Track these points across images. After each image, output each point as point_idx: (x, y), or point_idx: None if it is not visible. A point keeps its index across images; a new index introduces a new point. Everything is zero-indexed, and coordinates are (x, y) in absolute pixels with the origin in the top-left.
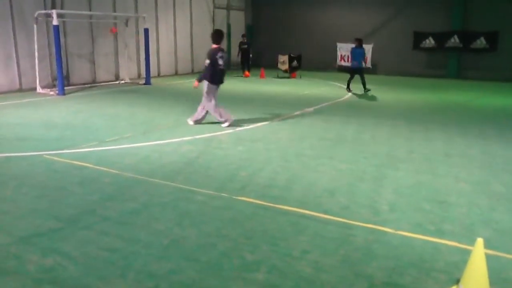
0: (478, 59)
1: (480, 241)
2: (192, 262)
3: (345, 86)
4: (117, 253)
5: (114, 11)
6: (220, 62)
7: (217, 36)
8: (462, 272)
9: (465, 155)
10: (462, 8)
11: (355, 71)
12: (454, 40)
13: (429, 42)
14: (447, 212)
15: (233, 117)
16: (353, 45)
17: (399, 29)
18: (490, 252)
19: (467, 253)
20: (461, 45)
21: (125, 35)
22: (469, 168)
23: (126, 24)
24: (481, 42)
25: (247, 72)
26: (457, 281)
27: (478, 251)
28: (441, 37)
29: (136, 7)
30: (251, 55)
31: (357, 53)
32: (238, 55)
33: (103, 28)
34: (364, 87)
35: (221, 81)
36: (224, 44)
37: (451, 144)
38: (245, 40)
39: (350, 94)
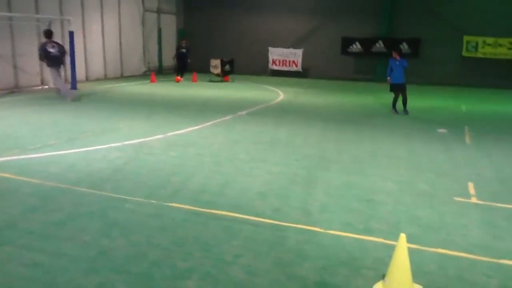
0: None
1: (403, 236)
2: (122, 274)
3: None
4: (40, 268)
5: (37, 12)
6: (51, 50)
7: (46, 33)
8: (387, 268)
9: (392, 156)
10: (388, 16)
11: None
12: (379, 45)
13: (356, 47)
14: (374, 210)
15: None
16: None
17: (328, 34)
18: (413, 246)
19: (393, 248)
20: (385, 50)
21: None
22: (396, 167)
23: (50, 26)
24: (404, 48)
25: (178, 77)
26: (383, 276)
27: (401, 246)
28: (367, 43)
29: (60, 9)
30: (188, 61)
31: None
32: (173, 58)
33: (25, 29)
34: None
35: (56, 64)
36: (153, 47)
37: (378, 145)
38: (184, 45)
39: (282, 98)
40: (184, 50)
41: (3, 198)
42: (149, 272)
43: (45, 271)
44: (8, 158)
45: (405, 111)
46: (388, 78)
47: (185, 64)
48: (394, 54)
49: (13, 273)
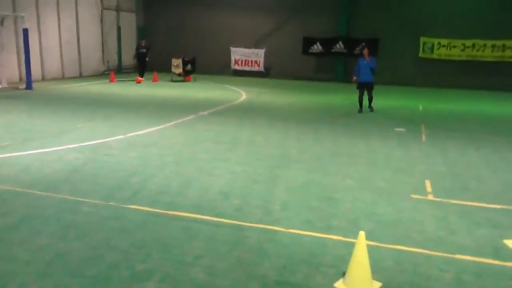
0: None
1: (362, 234)
2: (78, 278)
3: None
4: None
5: None
6: None
7: None
8: (348, 265)
9: (351, 154)
10: (346, 16)
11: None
12: (339, 46)
13: (317, 47)
14: (334, 208)
15: None
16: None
17: (289, 34)
18: (372, 243)
19: (353, 246)
20: (345, 51)
21: (1, 35)
22: (355, 165)
23: (2, 23)
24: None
25: (139, 78)
26: (343, 274)
27: (360, 244)
28: (327, 43)
29: (14, 5)
30: (147, 59)
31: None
32: (134, 58)
33: None
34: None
35: None
36: (112, 46)
37: (338, 143)
38: (143, 44)
39: (244, 98)
40: (144, 50)
41: None
42: (106, 275)
43: None
44: None
45: (370, 107)
46: (354, 77)
47: (145, 64)
48: (365, 53)
49: None
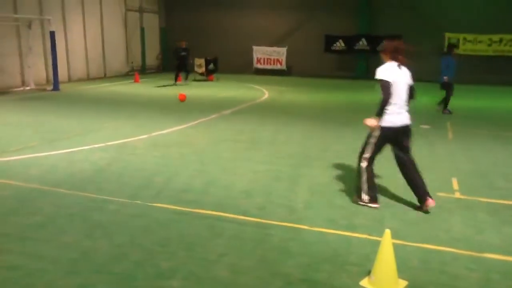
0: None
1: (388, 232)
2: (104, 275)
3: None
4: (19, 271)
5: (15, 12)
6: None
7: None
8: (373, 264)
9: None
10: (368, 13)
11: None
12: (362, 43)
13: (340, 45)
14: (358, 206)
15: None
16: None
17: (311, 32)
18: (397, 241)
19: (378, 244)
20: (368, 48)
21: (29, 38)
22: (378, 162)
23: (29, 26)
24: None
25: (179, 78)
26: (369, 273)
27: (386, 242)
28: (350, 40)
29: (40, 8)
30: (190, 61)
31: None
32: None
33: (4, 30)
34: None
35: None
36: (136, 46)
37: (361, 141)
38: (184, 46)
39: (266, 96)
40: (185, 53)
41: None
42: (131, 273)
43: (24, 273)
44: None
45: (446, 109)
46: (445, 77)
47: (187, 66)
48: (453, 50)
49: None
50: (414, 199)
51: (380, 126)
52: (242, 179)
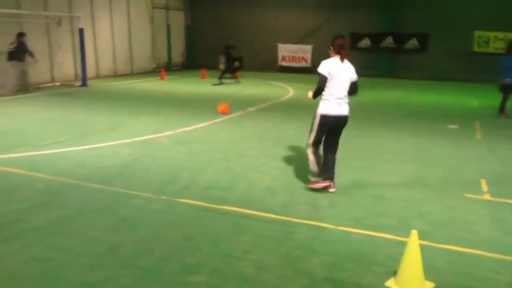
0: (410, 59)
1: (414, 233)
2: (129, 269)
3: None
4: (47, 263)
5: (46, 10)
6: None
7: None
8: (399, 264)
9: (399, 151)
10: (395, 11)
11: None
12: (389, 41)
13: (365, 42)
14: (383, 206)
15: None
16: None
17: (337, 30)
18: (424, 243)
19: (404, 245)
20: (394, 46)
21: (59, 35)
22: (403, 162)
23: (59, 23)
24: (413, 43)
25: (236, 74)
26: (394, 273)
27: (413, 243)
28: (376, 38)
29: (69, 6)
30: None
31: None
32: (222, 61)
33: (34, 27)
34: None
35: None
36: (162, 43)
37: (386, 140)
38: (231, 43)
39: (291, 94)
40: (232, 51)
41: (13, 193)
42: (157, 267)
43: (52, 265)
44: (20, 154)
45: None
46: (508, 79)
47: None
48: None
49: (21, 267)
50: (443, 200)
51: (320, 114)
52: (266, 177)
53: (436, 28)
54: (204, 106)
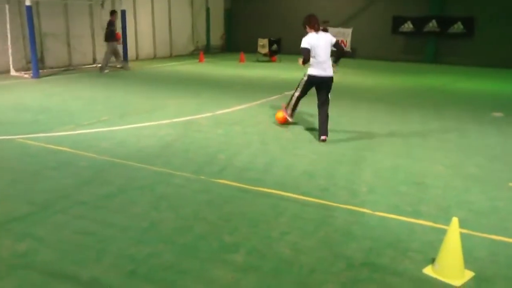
0: (454, 44)
1: (455, 220)
2: (170, 245)
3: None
4: (93, 237)
5: None
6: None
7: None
8: (437, 252)
9: (441, 138)
10: None
11: None
12: (432, 25)
13: (408, 26)
14: (423, 193)
15: None
16: None
17: (378, 13)
18: (464, 231)
19: (443, 233)
20: (438, 30)
21: (101, 17)
22: (445, 150)
23: (102, 5)
24: (458, 27)
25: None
26: (432, 261)
27: (454, 230)
28: (419, 22)
29: None
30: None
31: None
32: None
33: (78, 9)
34: None
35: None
36: (201, 27)
37: (428, 127)
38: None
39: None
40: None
41: (59, 170)
42: (196, 244)
43: (97, 239)
44: (65, 132)
45: None
46: None
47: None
48: None
49: (67, 240)
50: (485, 189)
51: (308, 74)
52: (304, 160)
53: (481, 11)
54: (242, 89)
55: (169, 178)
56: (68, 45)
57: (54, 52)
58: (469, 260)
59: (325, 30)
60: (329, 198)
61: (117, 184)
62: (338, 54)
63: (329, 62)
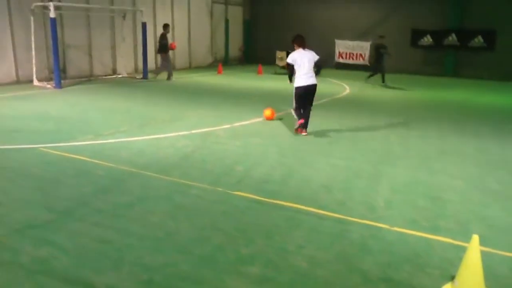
0: (474, 57)
1: (475, 237)
2: (186, 255)
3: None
4: (110, 245)
5: (112, 4)
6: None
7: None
8: (456, 269)
9: (460, 153)
10: (458, 6)
11: None
12: (452, 38)
13: (427, 40)
14: (442, 208)
15: None
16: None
17: (396, 26)
18: (484, 249)
19: (462, 249)
20: (458, 43)
21: (123, 29)
22: (464, 165)
23: (124, 17)
24: (478, 41)
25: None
26: (452, 278)
27: (474, 248)
28: (439, 35)
29: (134, 0)
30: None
31: None
32: (375, 60)
33: (100, 21)
34: None
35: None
36: (220, 38)
37: (446, 141)
38: (384, 43)
39: (348, 91)
40: (384, 50)
41: (78, 178)
42: (213, 255)
43: (115, 247)
44: (85, 142)
45: None
46: None
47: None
48: None
49: (85, 247)
50: (507, 205)
51: (295, 87)
52: (321, 174)
53: (503, 24)
54: (260, 100)
55: (187, 188)
56: (90, 56)
57: (76, 63)
58: (489, 278)
59: (382, 44)
60: (346, 212)
61: (135, 193)
62: (318, 69)
63: (312, 73)
